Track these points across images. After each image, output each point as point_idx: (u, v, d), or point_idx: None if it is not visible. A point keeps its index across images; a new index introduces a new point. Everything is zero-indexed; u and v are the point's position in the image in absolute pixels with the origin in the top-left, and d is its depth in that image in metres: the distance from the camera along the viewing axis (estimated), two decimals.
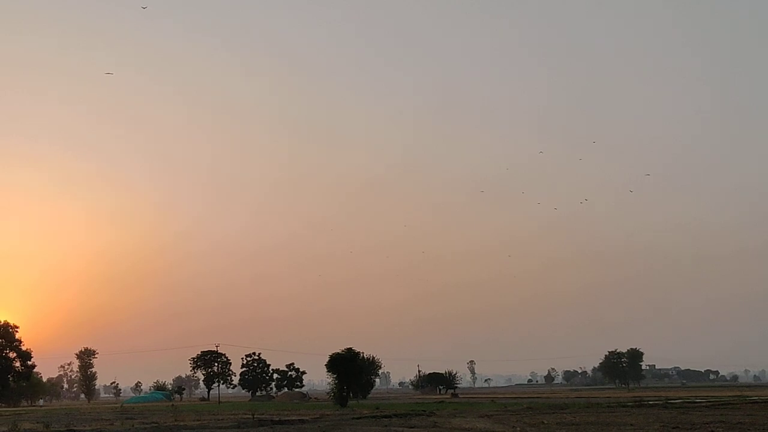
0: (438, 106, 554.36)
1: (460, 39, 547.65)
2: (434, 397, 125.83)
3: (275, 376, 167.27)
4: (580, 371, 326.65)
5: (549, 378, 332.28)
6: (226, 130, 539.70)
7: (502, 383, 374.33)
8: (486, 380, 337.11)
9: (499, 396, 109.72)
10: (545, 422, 33.61)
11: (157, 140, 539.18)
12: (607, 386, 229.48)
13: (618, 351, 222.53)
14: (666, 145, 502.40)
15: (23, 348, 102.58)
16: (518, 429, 29.30)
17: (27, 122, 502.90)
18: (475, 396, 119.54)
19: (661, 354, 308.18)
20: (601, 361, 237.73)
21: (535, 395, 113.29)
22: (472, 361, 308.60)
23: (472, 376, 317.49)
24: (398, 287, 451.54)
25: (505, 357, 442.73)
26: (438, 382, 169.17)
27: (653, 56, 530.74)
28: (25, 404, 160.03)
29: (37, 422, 47.11)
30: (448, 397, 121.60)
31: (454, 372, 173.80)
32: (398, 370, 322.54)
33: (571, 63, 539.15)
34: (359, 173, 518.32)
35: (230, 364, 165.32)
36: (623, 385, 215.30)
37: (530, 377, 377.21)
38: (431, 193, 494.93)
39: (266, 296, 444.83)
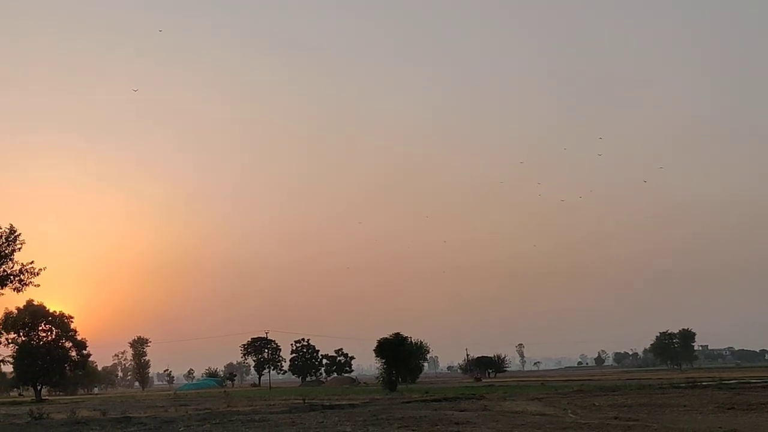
0: (454, 102, 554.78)
1: (478, 37, 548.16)
2: (483, 380, 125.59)
3: (324, 361, 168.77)
4: (630, 353, 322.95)
5: (599, 360, 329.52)
6: (259, 121, 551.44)
7: (551, 366, 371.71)
8: (535, 363, 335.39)
9: (549, 379, 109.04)
10: (596, 404, 33.30)
11: (196, 133, 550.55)
12: (658, 368, 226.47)
13: (669, 332, 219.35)
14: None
15: (78, 338, 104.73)
16: (569, 411, 29.04)
17: (75, 118, 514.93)
18: (524, 379, 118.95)
19: (714, 334, 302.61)
20: (652, 342, 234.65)
21: (586, 377, 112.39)
22: (520, 344, 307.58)
23: (521, 359, 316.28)
24: (444, 272, 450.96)
25: (554, 340, 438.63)
26: (486, 365, 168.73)
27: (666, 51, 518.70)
28: (82, 392, 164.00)
29: (94, 410, 48.16)
30: (471, 381, 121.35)
31: (503, 355, 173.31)
32: (446, 354, 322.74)
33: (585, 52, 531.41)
34: (388, 158, 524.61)
35: (280, 350, 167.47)
36: (675, 367, 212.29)
37: (580, 360, 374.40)
38: (464, 174, 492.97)
39: (311, 283, 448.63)
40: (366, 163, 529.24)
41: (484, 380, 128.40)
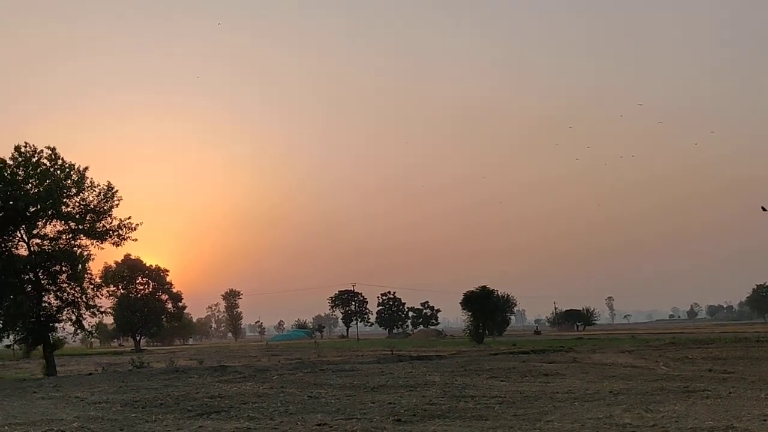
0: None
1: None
2: (571, 333, 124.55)
3: (410, 314, 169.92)
4: (725, 306, 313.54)
5: (692, 313, 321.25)
6: (336, 75, 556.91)
7: (642, 319, 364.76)
8: (625, 316, 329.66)
9: (640, 332, 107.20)
10: (689, 357, 32.58)
11: (280, 89, 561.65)
12: (755, 321, 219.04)
13: (767, 284, 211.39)
14: None
15: (174, 290, 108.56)
16: (661, 363, 28.53)
17: (171, 77, 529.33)
18: (614, 332, 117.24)
19: None
20: (748, 295, 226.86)
21: (678, 330, 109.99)
22: (610, 297, 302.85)
23: (611, 312, 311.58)
24: (533, 225, 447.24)
25: (644, 293, 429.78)
26: (575, 318, 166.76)
27: None
28: (178, 343, 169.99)
29: (191, 359, 50.08)
30: (557, 334, 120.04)
31: (592, 308, 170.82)
32: (533, 307, 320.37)
33: None
34: (455, 107, 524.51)
35: (366, 303, 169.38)
36: None
37: (672, 313, 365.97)
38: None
39: (398, 234, 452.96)
40: (437, 107, 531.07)
41: (573, 333, 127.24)
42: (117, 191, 36.86)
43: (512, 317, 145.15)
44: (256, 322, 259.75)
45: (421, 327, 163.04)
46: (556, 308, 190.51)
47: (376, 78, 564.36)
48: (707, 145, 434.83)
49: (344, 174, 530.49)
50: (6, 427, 13.65)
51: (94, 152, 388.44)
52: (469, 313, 75.64)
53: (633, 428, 11.56)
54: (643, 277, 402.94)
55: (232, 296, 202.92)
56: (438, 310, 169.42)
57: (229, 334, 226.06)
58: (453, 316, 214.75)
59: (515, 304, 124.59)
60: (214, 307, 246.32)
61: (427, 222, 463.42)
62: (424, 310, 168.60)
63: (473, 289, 75.76)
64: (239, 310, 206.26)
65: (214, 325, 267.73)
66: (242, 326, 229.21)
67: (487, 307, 75.70)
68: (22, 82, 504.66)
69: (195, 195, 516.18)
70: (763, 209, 26.07)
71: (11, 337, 39.37)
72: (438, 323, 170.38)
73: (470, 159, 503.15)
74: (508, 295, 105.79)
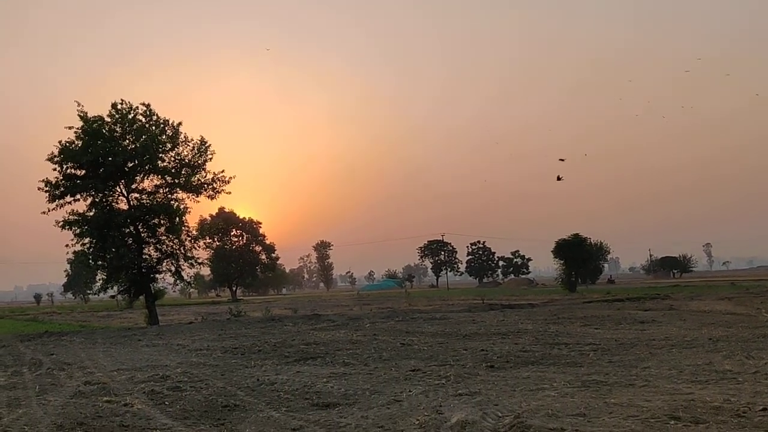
0: None
1: None
2: (667, 281, 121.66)
3: (500, 263, 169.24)
4: None
5: None
6: (458, 22, 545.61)
7: (742, 266, 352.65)
8: (724, 263, 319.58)
9: (740, 279, 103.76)
10: None
11: (395, 34, 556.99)
12: None
13: None
14: None
15: (267, 242, 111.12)
16: (763, 311, 27.55)
17: (275, 20, 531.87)
18: (712, 279, 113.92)
19: None
20: None
21: None
22: (708, 243, 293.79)
23: (709, 259, 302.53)
24: (627, 171, 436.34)
25: (745, 239, 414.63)
26: (671, 265, 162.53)
27: None
28: (272, 293, 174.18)
29: (285, 308, 51.31)
30: (652, 281, 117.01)
31: (689, 255, 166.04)
32: (628, 255, 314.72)
33: None
34: (588, 56, 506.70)
35: (456, 252, 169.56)
36: None
37: None
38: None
39: (488, 186, 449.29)
40: (569, 57, 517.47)
41: (669, 280, 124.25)
42: (210, 145, 37.55)
43: (606, 265, 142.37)
44: (346, 273, 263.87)
45: (512, 276, 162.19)
46: (651, 255, 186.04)
47: (507, 19, 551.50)
48: None
49: (451, 132, 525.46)
50: (115, 372, 14.30)
51: (198, 105, 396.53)
52: (561, 262, 74.81)
53: (734, 375, 11.22)
54: (744, 222, 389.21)
55: (323, 247, 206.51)
56: (529, 259, 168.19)
57: (321, 284, 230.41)
58: (544, 265, 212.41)
59: (608, 252, 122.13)
60: (305, 258, 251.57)
61: (521, 176, 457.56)
62: (515, 259, 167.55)
63: (565, 237, 74.77)
64: (330, 260, 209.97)
65: (306, 276, 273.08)
66: (333, 276, 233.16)
67: (579, 255, 74.67)
68: (129, 47, 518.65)
69: (291, 145, 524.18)
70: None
71: (115, 288, 40.92)
72: (529, 272, 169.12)
73: (569, 115, 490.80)
74: (601, 243, 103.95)
